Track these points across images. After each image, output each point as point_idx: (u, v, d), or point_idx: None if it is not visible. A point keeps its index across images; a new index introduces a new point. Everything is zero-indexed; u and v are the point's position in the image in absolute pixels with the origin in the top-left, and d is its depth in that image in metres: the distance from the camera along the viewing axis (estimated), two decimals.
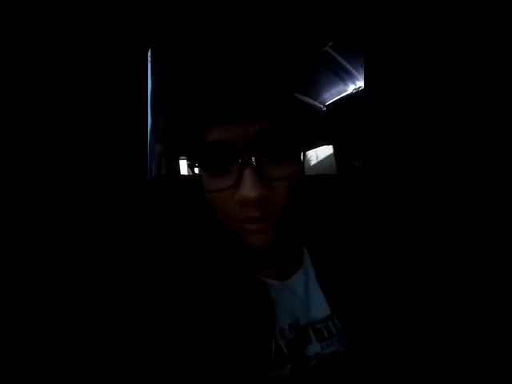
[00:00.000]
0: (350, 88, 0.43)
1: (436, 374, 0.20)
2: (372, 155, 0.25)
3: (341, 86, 0.44)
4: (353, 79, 0.43)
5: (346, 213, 0.42)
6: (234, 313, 0.31)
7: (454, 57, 0.19)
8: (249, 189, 0.27)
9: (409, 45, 0.20)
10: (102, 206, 0.22)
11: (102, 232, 0.22)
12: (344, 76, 0.43)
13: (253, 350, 0.30)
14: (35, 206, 0.19)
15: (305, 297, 0.36)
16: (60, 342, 0.19)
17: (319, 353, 0.34)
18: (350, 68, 0.42)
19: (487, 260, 0.18)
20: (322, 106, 0.45)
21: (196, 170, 0.35)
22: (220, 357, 0.29)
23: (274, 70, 0.29)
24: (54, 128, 0.20)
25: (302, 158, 0.31)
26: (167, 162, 0.54)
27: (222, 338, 0.29)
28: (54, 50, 0.20)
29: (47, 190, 0.19)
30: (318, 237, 0.41)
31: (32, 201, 0.19)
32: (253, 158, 0.27)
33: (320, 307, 0.36)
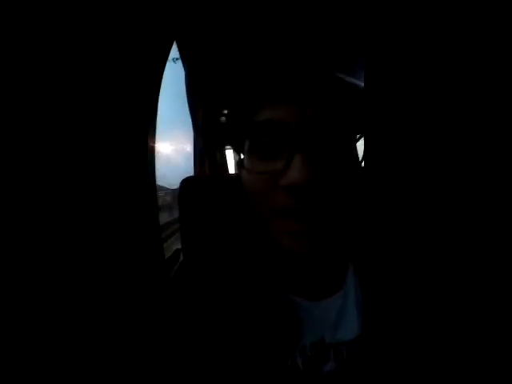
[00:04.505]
0: None
1: None
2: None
3: None
4: None
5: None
6: (257, 327, 0.30)
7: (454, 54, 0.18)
8: (298, 173, 0.25)
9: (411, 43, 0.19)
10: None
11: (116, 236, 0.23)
12: None
13: (266, 365, 0.29)
14: (38, 206, 0.20)
15: (336, 318, 0.33)
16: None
17: (334, 371, 0.31)
18: None
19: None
20: None
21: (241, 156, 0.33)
22: (231, 367, 0.29)
23: (333, 56, 0.29)
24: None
25: (359, 155, 0.29)
26: (212, 151, 0.54)
27: (238, 349, 0.29)
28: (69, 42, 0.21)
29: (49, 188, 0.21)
30: (370, 254, 0.36)
31: (35, 202, 0.20)
32: (305, 143, 0.26)
33: (350, 329, 0.32)
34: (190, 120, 0.59)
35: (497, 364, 0.18)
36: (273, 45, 0.30)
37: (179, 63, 0.56)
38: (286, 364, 0.30)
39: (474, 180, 0.18)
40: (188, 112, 0.59)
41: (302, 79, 0.26)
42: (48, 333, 0.20)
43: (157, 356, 0.27)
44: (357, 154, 0.32)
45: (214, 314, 0.30)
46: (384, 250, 0.21)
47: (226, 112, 0.35)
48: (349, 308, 0.33)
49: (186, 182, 0.37)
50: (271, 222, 0.29)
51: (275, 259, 0.33)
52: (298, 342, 0.31)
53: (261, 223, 0.31)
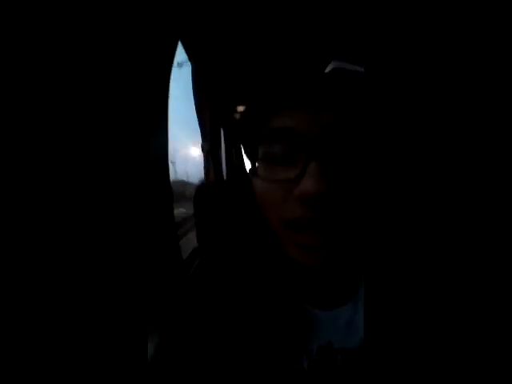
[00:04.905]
0: None
1: None
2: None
3: None
4: None
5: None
6: (264, 331, 0.31)
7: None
8: (313, 181, 0.24)
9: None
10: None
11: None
12: None
13: (272, 366, 0.30)
14: (42, 206, 0.20)
15: (345, 325, 0.33)
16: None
17: (338, 373, 0.32)
18: None
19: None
20: None
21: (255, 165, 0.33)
22: (236, 368, 0.30)
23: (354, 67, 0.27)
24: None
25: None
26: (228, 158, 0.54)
27: (245, 351, 0.30)
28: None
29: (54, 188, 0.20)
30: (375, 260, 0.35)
31: (40, 202, 0.20)
32: (321, 151, 0.25)
33: (358, 336, 0.32)
34: None
35: (502, 377, 0.16)
36: (288, 50, 0.30)
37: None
38: (292, 366, 0.30)
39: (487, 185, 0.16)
40: None
41: (319, 84, 0.26)
42: (55, 332, 0.20)
43: (169, 357, 0.28)
44: None
45: (223, 316, 0.32)
46: (387, 256, 0.20)
47: (237, 111, 0.35)
48: (360, 316, 0.33)
49: (199, 190, 0.38)
50: (282, 235, 0.29)
51: (285, 269, 0.33)
52: (304, 347, 0.31)
53: (271, 234, 0.30)
